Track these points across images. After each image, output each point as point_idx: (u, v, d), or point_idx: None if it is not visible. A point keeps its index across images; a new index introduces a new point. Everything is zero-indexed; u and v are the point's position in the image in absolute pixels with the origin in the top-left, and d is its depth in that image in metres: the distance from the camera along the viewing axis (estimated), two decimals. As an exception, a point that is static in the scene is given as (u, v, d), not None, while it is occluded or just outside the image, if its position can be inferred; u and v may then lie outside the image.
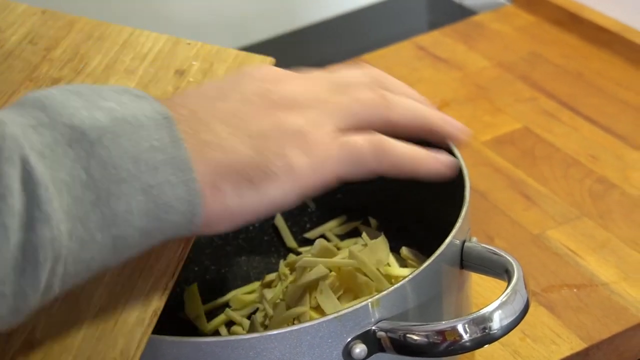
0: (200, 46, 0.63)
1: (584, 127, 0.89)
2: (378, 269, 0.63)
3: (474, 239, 0.60)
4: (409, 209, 0.72)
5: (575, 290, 0.71)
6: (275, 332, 0.52)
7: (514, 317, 0.53)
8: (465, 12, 1.14)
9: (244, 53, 0.63)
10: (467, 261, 0.59)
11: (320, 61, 0.84)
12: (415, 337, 0.52)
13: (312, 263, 0.63)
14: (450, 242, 0.57)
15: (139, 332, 0.49)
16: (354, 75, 0.54)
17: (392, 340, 0.53)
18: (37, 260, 0.40)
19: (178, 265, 0.52)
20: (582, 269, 0.73)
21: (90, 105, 0.44)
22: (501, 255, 0.57)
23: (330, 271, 0.63)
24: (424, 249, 0.65)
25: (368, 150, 0.51)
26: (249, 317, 0.68)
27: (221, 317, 0.69)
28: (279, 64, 0.58)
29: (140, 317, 0.49)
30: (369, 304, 0.53)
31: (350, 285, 0.62)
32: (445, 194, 0.65)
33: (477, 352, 0.65)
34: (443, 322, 0.52)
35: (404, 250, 0.68)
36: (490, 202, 0.81)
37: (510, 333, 0.53)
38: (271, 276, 0.71)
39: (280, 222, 0.76)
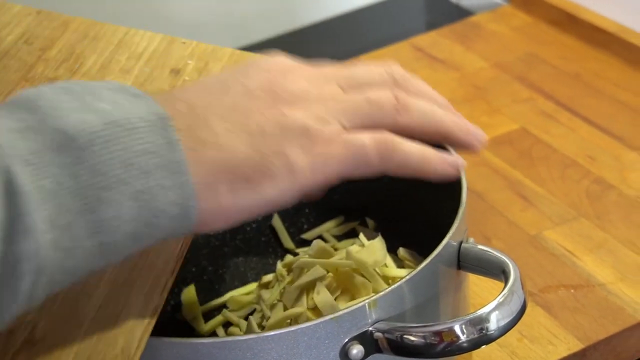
0: (195, 45, 0.63)
1: (581, 128, 0.89)
2: (375, 270, 0.63)
3: (471, 239, 0.60)
4: (407, 209, 0.73)
5: (572, 290, 0.71)
6: (272, 333, 0.52)
7: (511, 317, 0.53)
8: (463, 13, 1.14)
9: (239, 52, 0.63)
10: (464, 262, 0.59)
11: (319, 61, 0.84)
12: (412, 338, 0.52)
13: (309, 264, 0.63)
14: (448, 243, 0.57)
15: (139, 330, 0.49)
16: (371, 72, 0.52)
17: (389, 341, 0.53)
18: (17, 273, 0.39)
19: (177, 263, 0.53)
20: (579, 270, 0.73)
21: (82, 107, 0.43)
22: (498, 256, 0.57)
23: (328, 272, 0.63)
24: (422, 249, 0.65)
25: (373, 151, 0.49)
26: (246, 318, 0.68)
27: (218, 318, 0.69)
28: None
29: (140, 315, 0.49)
30: (366, 304, 0.53)
31: (347, 286, 0.62)
32: (442, 194, 0.65)
33: (475, 353, 0.65)
34: (440, 323, 0.52)
35: (401, 251, 0.68)
36: (487, 203, 0.81)
37: (508, 334, 0.53)
38: (268, 277, 0.71)
39: (277, 222, 0.76)
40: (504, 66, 1.00)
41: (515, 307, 0.53)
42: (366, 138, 0.49)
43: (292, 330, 0.52)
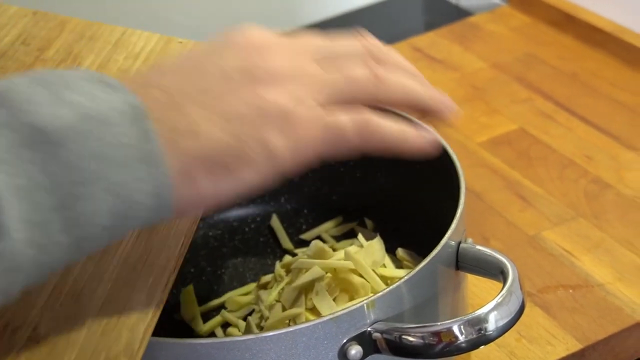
0: (192, 45, 0.63)
1: (579, 128, 0.89)
2: (374, 270, 0.63)
3: (470, 240, 0.60)
4: (405, 210, 0.73)
5: (570, 291, 0.71)
6: (270, 333, 0.52)
7: (510, 318, 0.53)
8: (461, 13, 1.14)
9: None
10: (462, 262, 0.59)
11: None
12: (410, 339, 0.52)
13: (308, 264, 0.63)
14: (446, 243, 0.57)
15: (142, 326, 0.49)
16: (347, 46, 0.51)
17: (387, 341, 0.53)
18: None
19: (179, 260, 0.53)
20: (577, 270, 0.73)
21: (56, 100, 0.42)
22: (496, 257, 0.57)
23: (326, 272, 0.63)
24: (420, 250, 0.65)
25: (352, 130, 0.48)
26: (244, 319, 0.68)
27: (217, 319, 0.69)
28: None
29: (143, 311, 0.50)
30: (365, 305, 0.53)
31: (346, 287, 0.62)
32: (441, 195, 0.65)
33: (473, 353, 0.65)
34: (439, 324, 0.52)
35: (400, 252, 0.68)
36: (485, 203, 0.81)
37: (506, 334, 0.53)
38: (267, 277, 0.71)
39: (276, 223, 0.76)
40: (503, 66, 1.00)
41: (513, 307, 0.53)
42: (345, 119, 0.48)
43: (291, 331, 0.52)
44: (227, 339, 0.52)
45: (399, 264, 0.68)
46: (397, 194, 0.73)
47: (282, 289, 0.65)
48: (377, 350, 0.53)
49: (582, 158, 0.85)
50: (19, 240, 0.40)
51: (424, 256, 0.56)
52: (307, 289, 0.62)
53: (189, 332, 0.69)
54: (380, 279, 0.63)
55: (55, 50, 0.61)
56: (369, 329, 0.53)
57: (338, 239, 0.75)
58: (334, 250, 0.68)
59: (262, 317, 0.65)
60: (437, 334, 0.52)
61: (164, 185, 0.44)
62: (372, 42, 0.53)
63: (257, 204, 0.78)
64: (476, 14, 1.11)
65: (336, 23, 1.18)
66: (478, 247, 0.59)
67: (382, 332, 0.53)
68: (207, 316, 0.70)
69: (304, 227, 0.77)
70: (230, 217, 0.78)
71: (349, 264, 0.62)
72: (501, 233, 0.77)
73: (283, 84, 0.48)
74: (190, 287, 0.71)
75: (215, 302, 0.71)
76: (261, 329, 0.64)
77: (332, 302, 0.61)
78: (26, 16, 0.64)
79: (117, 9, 1.05)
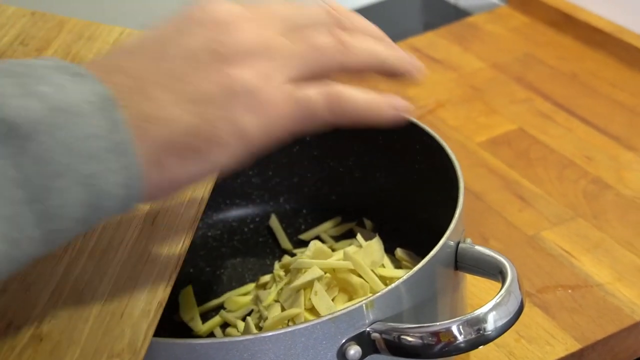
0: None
1: (578, 128, 0.89)
2: (373, 270, 0.63)
3: (469, 240, 0.60)
4: (404, 210, 0.73)
5: (569, 291, 0.71)
6: (269, 333, 0.52)
7: (509, 318, 0.53)
8: (460, 13, 1.14)
9: None
10: (461, 262, 0.59)
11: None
12: (409, 339, 0.52)
13: (306, 264, 0.63)
14: (445, 243, 0.57)
15: (145, 323, 0.49)
16: (311, 15, 0.50)
17: (386, 341, 0.53)
18: None
19: (180, 257, 0.53)
20: (576, 270, 0.73)
21: (24, 91, 0.41)
22: (495, 257, 0.57)
23: (325, 272, 0.63)
24: (419, 250, 0.65)
25: (323, 105, 0.48)
26: (243, 319, 0.68)
27: (216, 319, 0.69)
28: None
29: (145, 308, 0.50)
30: (364, 305, 0.53)
31: (344, 287, 0.62)
32: (440, 195, 0.65)
33: (472, 353, 0.65)
34: (437, 324, 0.52)
35: (399, 252, 0.68)
36: (485, 203, 0.81)
37: (505, 334, 0.53)
38: (266, 278, 0.71)
39: (275, 223, 0.76)
40: (502, 67, 1.00)
41: (512, 307, 0.53)
42: (315, 93, 0.48)
43: (290, 331, 0.52)
44: (226, 339, 0.52)
45: (397, 264, 0.68)
46: (396, 194, 0.73)
47: (281, 289, 0.65)
48: (376, 351, 0.53)
49: (581, 158, 0.85)
50: None
51: (423, 256, 0.56)
52: (306, 289, 0.62)
53: (188, 332, 0.68)
54: (379, 279, 0.62)
55: (54, 51, 0.61)
56: (367, 329, 0.53)
57: (337, 239, 0.75)
58: (333, 250, 0.68)
59: (261, 318, 0.65)
60: (436, 334, 0.52)
61: (134, 176, 0.43)
62: (336, 8, 0.52)
63: (256, 204, 0.78)
64: (475, 14, 1.11)
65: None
66: (477, 247, 0.59)
67: (381, 332, 0.53)
68: (206, 316, 0.70)
69: (303, 227, 0.77)
70: (229, 217, 0.78)
71: (348, 264, 0.62)
72: (500, 233, 0.77)
73: (250, 61, 0.47)
74: (189, 288, 0.71)
75: (214, 302, 0.71)
76: (260, 329, 0.64)
77: (331, 302, 0.61)
78: (24, 16, 0.64)
79: (115, 9, 1.05)
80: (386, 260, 0.66)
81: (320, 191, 0.77)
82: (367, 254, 0.64)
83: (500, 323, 0.52)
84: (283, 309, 0.62)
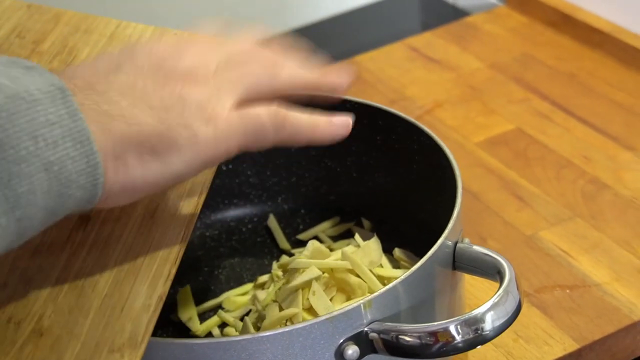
0: (187, 36, 0.63)
1: (576, 128, 0.89)
2: (371, 270, 0.63)
3: (467, 240, 0.60)
4: (402, 210, 0.73)
5: (567, 291, 0.71)
6: (267, 333, 0.52)
7: (506, 318, 0.53)
8: (458, 13, 1.14)
9: None
10: (459, 262, 0.59)
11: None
12: (407, 339, 0.52)
13: (304, 264, 0.63)
14: (443, 243, 0.57)
15: (145, 317, 0.49)
16: (240, 46, 0.54)
17: (384, 341, 0.53)
18: None
19: (180, 252, 0.53)
20: (574, 270, 0.73)
21: None
22: (493, 257, 0.57)
23: (323, 272, 0.63)
24: (417, 250, 0.65)
25: (268, 122, 0.51)
26: (241, 319, 0.68)
27: (214, 319, 0.69)
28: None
29: (145, 303, 0.50)
30: (362, 305, 0.53)
31: (342, 287, 0.62)
32: (438, 195, 0.65)
33: (470, 353, 0.65)
34: (435, 323, 0.52)
35: (397, 252, 0.68)
36: (483, 203, 0.81)
37: (503, 334, 0.53)
38: (264, 277, 0.71)
39: (273, 223, 0.76)
40: (500, 67, 1.00)
41: (510, 307, 0.53)
42: (260, 110, 0.51)
43: (287, 331, 0.52)
44: (224, 339, 0.52)
45: (396, 264, 0.68)
46: (395, 194, 0.73)
47: (279, 289, 0.65)
48: (374, 350, 0.53)
49: (579, 158, 0.85)
50: None
51: (421, 256, 0.56)
52: (304, 289, 0.62)
53: (186, 332, 0.68)
54: (377, 279, 0.62)
55: (51, 43, 0.61)
56: (365, 329, 0.53)
57: (335, 239, 0.75)
58: (331, 250, 0.68)
59: (259, 317, 0.65)
60: (434, 333, 0.52)
61: (94, 163, 0.45)
62: (263, 37, 0.56)
63: (254, 204, 0.78)
64: (473, 14, 1.11)
65: (332, 23, 1.18)
66: (475, 247, 0.59)
67: (379, 332, 0.53)
68: (204, 316, 0.70)
69: (301, 227, 0.77)
70: (228, 217, 0.78)
71: (346, 264, 0.62)
72: (498, 233, 0.77)
73: (196, 83, 0.50)
74: (187, 288, 0.71)
75: (212, 302, 0.71)
76: (258, 329, 0.64)
77: (329, 302, 0.61)
78: (20, 9, 0.64)
79: (111, 2, 1.05)
80: (384, 260, 0.66)
81: (318, 191, 0.77)
82: (365, 253, 0.64)
83: (498, 323, 0.52)
84: (281, 309, 0.62)
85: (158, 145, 0.47)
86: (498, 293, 0.53)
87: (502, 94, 0.95)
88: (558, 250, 0.75)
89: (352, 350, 0.53)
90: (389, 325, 0.53)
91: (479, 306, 0.52)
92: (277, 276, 0.68)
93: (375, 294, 0.53)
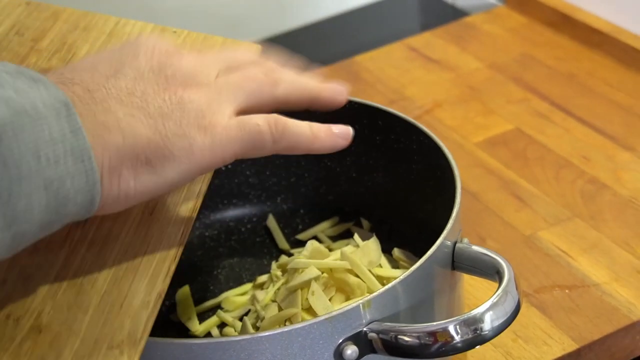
0: (186, 34, 0.63)
1: (575, 128, 0.89)
2: (370, 270, 0.63)
3: (466, 240, 0.60)
4: (401, 210, 0.73)
5: (566, 291, 0.71)
6: (266, 333, 0.52)
7: (505, 318, 0.53)
8: (457, 14, 1.14)
9: (230, 40, 0.63)
10: (458, 262, 0.59)
11: (312, 63, 0.84)
12: (406, 339, 0.52)
13: (304, 264, 0.63)
14: (442, 243, 0.57)
15: (144, 314, 0.49)
16: (240, 55, 0.54)
17: (383, 341, 0.53)
18: None
19: (179, 249, 0.53)
20: (573, 270, 0.73)
21: None
22: (492, 257, 0.57)
23: (322, 272, 0.63)
24: (416, 250, 0.65)
25: (266, 131, 0.51)
26: (240, 319, 0.68)
27: (213, 319, 0.69)
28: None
29: (145, 300, 0.50)
30: (361, 305, 0.53)
31: (341, 287, 0.62)
32: (437, 195, 0.65)
33: (469, 353, 0.65)
34: (434, 323, 0.52)
35: (396, 252, 0.68)
36: (482, 203, 0.81)
37: (502, 334, 0.53)
38: (263, 278, 0.71)
39: (272, 223, 0.76)
40: (499, 67, 1.00)
41: (509, 307, 0.53)
42: (259, 119, 0.51)
43: (287, 331, 0.52)
44: (223, 339, 0.52)
45: (395, 264, 0.68)
46: (394, 194, 0.73)
47: (278, 289, 0.65)
48: (373, 350, 0.53)
49: (578, 158, 0.85)
50: None
51: (420, 256, 0.56)
52: (303, 289, 0.62)
53: (185, 332, 0.68)
54: (377, 279, 0.62)
55: (50, 41, 0.61)
56: (364, 329, 0.53)
57: (334, 239, 0.75)
58: (330, 250, 0.68)
59: (258, 317, 0.65)
60: (433, 333, 0.52)
61: (92, 181, 0.45)
62: (260, 52, 0.57)
63: (253, 204, 0.78)
64: (472, 14, 1.11)
65: (331, 23, 1.18)
66: (474, 247, 0.59)
67: (378, 332, 0.53)
68: (203, 316, 0.70)
69: (300, 227, 0.77)
70: (227, 217, 0.78)
71: (345, 264, 0.62)
72: (497, 233, 0.77)
73: (197, 87, 0.50)
74: (186, 288, 0.71)
75: (212, 302, 0.71)
76: (257, 329, 0.64)
77: (328, 302, 0.61)
78: (19, 6, 0.64)
79: (117, 5, 1.05)
80: (383, 260, 0.66)
81: (317, 191, 0.77)
82: (364, 254, 0.64)
83: (497, 323, 0.52)
84: (280, 309, 0.62)
85: (153, 158, 0.47)
86: (497, 293, 0.53)
87: (502, 94, 0.95)
88: (557, 250, 0.75)
89: (351, 350, 0.53)
90: (388, 325, 0.53)
91: (478, 306, 0.52)
92: (276, 276, 0.68)
93: (375, 294, 0.53)
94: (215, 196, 0.76)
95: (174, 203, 0.56)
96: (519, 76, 0.98)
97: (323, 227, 0.75)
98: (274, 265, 0.71)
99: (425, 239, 0.58)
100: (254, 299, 0.68)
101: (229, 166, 0.76)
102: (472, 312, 0.52)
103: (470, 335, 0.52)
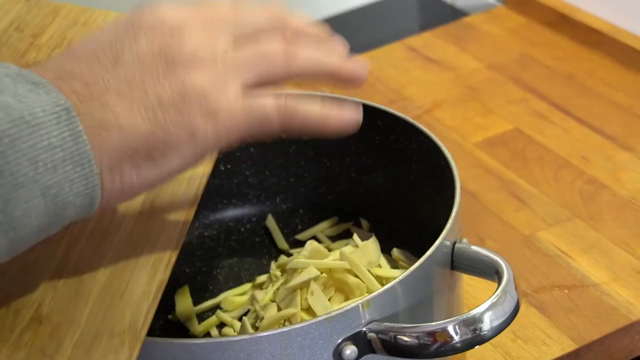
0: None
1: (575, 129, 0.89)
2: (369, 270, 0.63)
3: (465, 240, 0.60)
4: (400, 210, 0.73)
5: (566, 291, 0.71)
6: (265, 333, 0.52)
7: (505, 318, 0.53)
8: (457, 14, 1.14)
9: None
10: (457, 262, 0.59)
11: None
12: (405, 339, 0.52)
13: (303, 264, 0.63)
14: (441, 244, 0.57)
15: (145, 305, 0.49)
16: (257, 20, 0.50)
17: (382, 341, 0.53)
18: None
19: (180, 239, 0.53)
20: (572, 270, 0.73)
21: None
22: (491, 257, 0.57)
23: (321, 272, 0.63)
24: (415, 250, 0.65)
25: (274, 113, 0.49)
26: (240, 319, 0.68)
27: (212, 319, 0.69)
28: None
29: (145, 290, 0.50)
30: (360, 305, 0.53)
31: (341, 287, 0.62)
32: (436, 195, 0.65)
33: (468, 353, 0.65)
34: (433, 323, 0.52)
35: (395, 252, 0.68)
36: (481, 204, 0.81)
37: (501, 334, 0.53)
38: (262, 278, 0.71)
39: (271, 223, 0.76)
40: (498, 67, 1.00)
41: (508, 307, 0.53)
42: (267, 101, 0.49)
43: (286, 331, 0.52)
44: (222, 339, 0.52)
45: (394, 264, 0.68)
46: (393, 194, 0.73)
47: (278, 289, 0.65)
48: (372, 350, 0.53)
49: (577, 158, 0.85)
50: None
51: (420, 256, 0.56)
52: (303, 289, 0.62)
53: (184, 332, 0.68)
54: (376, 279, 0.62)
55: (49, 36, 0.61)
56: (364, 329, 0.53)
57: (333, 239, 0.75)
58: (330, 250, 0.68)
59: (257, 317, 0.65)
60: (432, 334, 0.52)
61: (92, 185, 0.44)
62: (278, 12, 0.52)
63: (252, 204, 0.78)
64: (472, 15, 1.11)
65: (332, 23, 1.18)
66: (473, 247, 0.59)
67: (377, 332, 0.53)
68: (202, 316, 0.70)
69: (299, 227, 0.76)
70: (226, 217, 0.78)
71: (345, 264, 0.62)
72: (496, 233, 0.77)
73: (201, 67, 0.47)
74: (186, 287, 0.71)
75: (211, 302, 0.71)
76: (256, 329, 0.64)
77: (327, 302, 0.61)
78: (19, 2, 0.64)
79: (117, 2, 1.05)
80: (382, 260, 0.66)
81: (316, 191, 0.77)
82: (363, 254, 0.64)
83: (496, 323, 0.52)
84: (279, 309, 0.62)
85: (153, 151, 0.46)
86: (496, 293, 0.53)
87: (501, 94, 0.95)
88: (556, 250, 0.75)
89: (350, 350, 0.53)
90: (387, 325, 0.53)
91: (477, 306, 0.52)
92: (276, 276, 0.68)
93: (374, 294, 0.53)
94: (214, 196, 0.76)
95: (175, 193, 0.56)
96: (518, 76, 0.98)
97: (322, 227, 0.75)
98: (273, 265, 0.71)
99: (425, 239, 0.58)
100: (253, 299, 0.68)
101: (229, 166, 0.76)
102: (471, 312, 0.52)
103: (469, 336, 0.52)
